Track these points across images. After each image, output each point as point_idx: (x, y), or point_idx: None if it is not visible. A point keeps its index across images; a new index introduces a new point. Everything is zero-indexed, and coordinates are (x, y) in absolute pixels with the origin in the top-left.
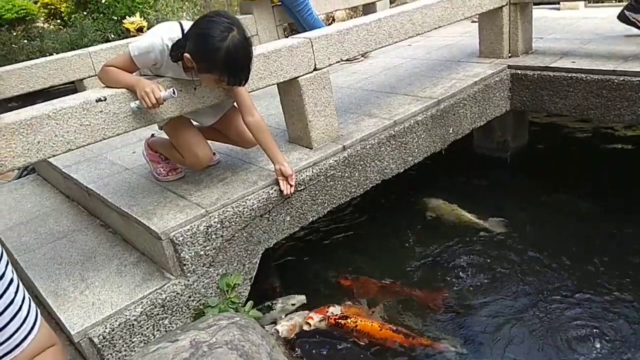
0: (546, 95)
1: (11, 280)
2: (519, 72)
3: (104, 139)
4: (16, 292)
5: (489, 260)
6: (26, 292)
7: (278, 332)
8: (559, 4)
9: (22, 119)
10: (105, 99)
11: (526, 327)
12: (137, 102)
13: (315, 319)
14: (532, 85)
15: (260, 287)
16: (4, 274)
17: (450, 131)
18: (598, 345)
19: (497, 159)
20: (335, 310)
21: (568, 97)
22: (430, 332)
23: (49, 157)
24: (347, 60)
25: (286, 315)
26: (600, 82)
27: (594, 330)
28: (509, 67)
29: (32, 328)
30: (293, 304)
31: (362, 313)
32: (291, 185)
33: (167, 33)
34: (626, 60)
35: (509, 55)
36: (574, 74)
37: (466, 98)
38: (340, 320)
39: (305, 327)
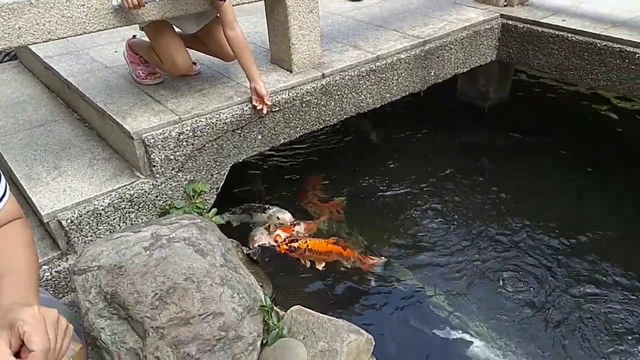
0: (531, 50)
1: None
2: (510, 22)
3: (85, 32)
4: None
5: (444, 205)
6: None
7: (254, 239)
8: None
9: (4, 3)
10: None
11: (472, 266)
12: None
13: (282, 236)
14: (519, 37)
15: (249, 190)
16: None
17: (432, 73)
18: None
19: (476, 107)
20: (299, 228)
21: (551, 55)
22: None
23: (29, 44)
24: None
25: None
26: (584, 44)
27: (527, 271)
28: (502, 16)
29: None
30: (278, 218)
31: (315, 228)
32: (266, 105)
33: None
34: (614, 25)
35: (505, 4)
36: (561, 32)
37: (453, 42)
38: (292, 244)
39: (273, 243)
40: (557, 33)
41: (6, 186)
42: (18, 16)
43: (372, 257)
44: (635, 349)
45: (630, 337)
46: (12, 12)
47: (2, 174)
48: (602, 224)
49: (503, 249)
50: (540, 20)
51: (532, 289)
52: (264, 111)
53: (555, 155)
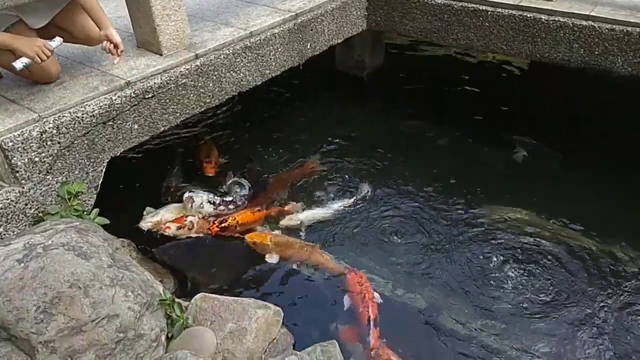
0: (397, 17)
1: None
2: None
3: None
4: None
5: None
6: None
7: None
8: None
9: None
10: None
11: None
12: (26, 60)
13: (172, 228)
14: (385, 5)
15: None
16: None
17: (308, 46)
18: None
19: (354, 77)
20: (193, 219)
21: (415, 20)
22: None
23: None
24: None
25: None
26: (443, 6)
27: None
28: None
29: None
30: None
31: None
32: (119, 55)
33: None
34: None
35: None
36: None
37: (324, 14)
38: (223, 225)
39: (165, 232)
40: None
41: None
42: None
43: (290, 207)
44: None
45: None
46: None
47: None
48: (479, 177)
49: (390, 207)
50: None
51: (425, 248)
52: (116, 61)
53: (432, 116)
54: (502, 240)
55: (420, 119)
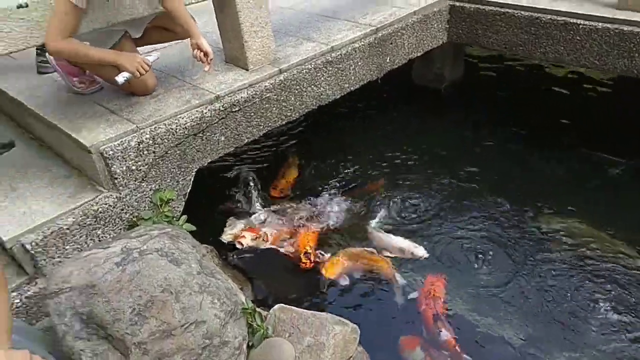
0: (480, 29)
1: None
2: (457, 4)
3: (27, 47)
4: None
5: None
6: None
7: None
8: None
9: None
10: (27, 5)
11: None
12: (127, 75)
13: (247, 238)
14: (468, 18)
15: None
16: None
17: (387, 60)
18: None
19: (433, 90)
20: (268, 230)
21: (500, 33)
22: None
23: None
24: None
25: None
26: (530, 19)
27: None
28: None
29: None
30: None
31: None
32: (209, 64)
33: None
34: None
35: None
36: (507, 10)
37: (404, 27)
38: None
39: (238, 246)
40: (503, 10)
41: None
42: None
43: None
44: None
45: None
46: None
47: None
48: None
49: (474, 228)
50: None
51: (501, 266)
52: (206, 69)
53: (510, 128)
54: (585, 260)
55: (498, 132)
